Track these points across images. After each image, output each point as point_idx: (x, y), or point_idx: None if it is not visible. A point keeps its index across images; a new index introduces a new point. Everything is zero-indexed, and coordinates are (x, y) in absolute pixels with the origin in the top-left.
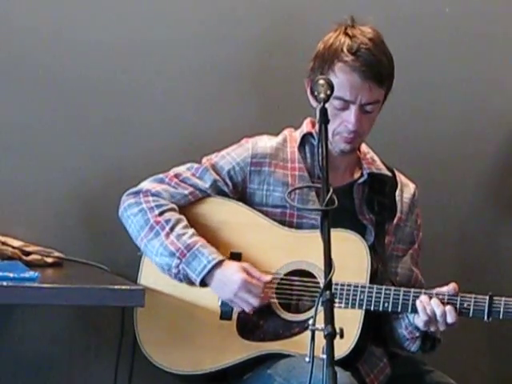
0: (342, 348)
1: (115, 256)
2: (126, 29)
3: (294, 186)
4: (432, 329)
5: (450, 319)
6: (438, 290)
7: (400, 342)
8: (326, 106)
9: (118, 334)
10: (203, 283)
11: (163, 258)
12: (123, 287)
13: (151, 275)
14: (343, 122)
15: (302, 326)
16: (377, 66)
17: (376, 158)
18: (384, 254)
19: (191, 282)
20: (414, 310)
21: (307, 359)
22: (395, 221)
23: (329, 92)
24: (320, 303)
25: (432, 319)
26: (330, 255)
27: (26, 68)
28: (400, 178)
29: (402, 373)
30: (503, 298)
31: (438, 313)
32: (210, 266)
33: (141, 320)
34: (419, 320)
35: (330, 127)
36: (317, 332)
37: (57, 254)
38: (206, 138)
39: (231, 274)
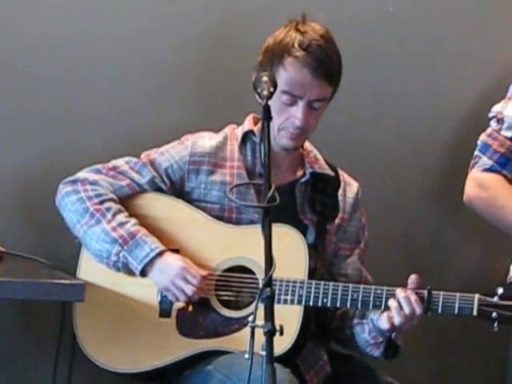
0: (282, 345)
1: (56, 250)
2: (70, 25)
3: (232, 183)
4: (397, 322)
5: (418, 310)
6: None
7: (362, 348)
8: (274, 99)
9: (58, 329)
10: (143, 272)
11: (104, 244)
12: (63, 281)
13: (90, 272)
14: (290, 118)
15: (242, 323)
16: (327, 63)
17: (319, 156)
18: (325, 254)
19: (129, 271)
20: (355, 305)
21: (246, 356)
22: (337, 221)
23: (272, 89)
24: (260, 300)
25: (399, 315)
26: (270, 253)
27: None
28: (343, 177)
29: (342, 371)
30: (442, 292)
31: (407, 310)
32: (152, 255)
33: (79, 317)
34: (383, 320)
35: (276, 122)
36: (256, 329)
37: None
38: (147, 134)
39: (171, 262)
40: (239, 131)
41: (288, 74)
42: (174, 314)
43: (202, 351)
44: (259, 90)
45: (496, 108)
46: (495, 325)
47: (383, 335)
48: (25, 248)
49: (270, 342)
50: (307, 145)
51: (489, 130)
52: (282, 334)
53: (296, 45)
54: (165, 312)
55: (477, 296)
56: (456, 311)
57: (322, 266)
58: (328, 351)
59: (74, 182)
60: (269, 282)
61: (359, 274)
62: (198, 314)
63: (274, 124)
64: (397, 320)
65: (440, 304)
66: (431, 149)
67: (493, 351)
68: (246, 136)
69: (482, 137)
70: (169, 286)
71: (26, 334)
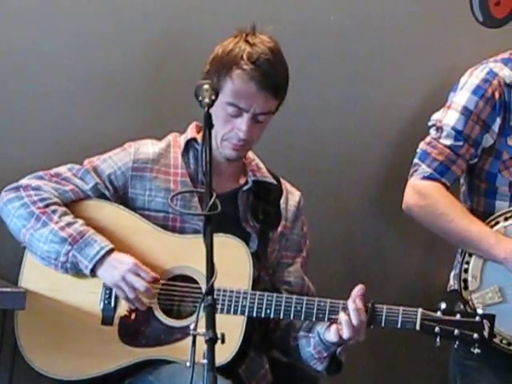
0: (224, 354)
1: None
2: (14, 31)
3: (177, 191)
4: (346, 335)
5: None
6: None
7: (307, 361)
8: (219, 109)
9: None
10: (93, 270)
11: (52, 244)
12: (3, 289)
13: (33, 278)
14: (234, 129)
15: (184, 332)
16: (274, 77)
17: (261, 165)
18: (267, 261)
19: (78, 271)
20: (298, 317)
21: (188, 364)
22: (280, 228)
23: (213, 97)
24: (202, 308)
25: (348, 327)
26: (212, 260)
27: None
28: (285, 185)
29: (283, 379)
30: (385, 306)
31: (355, 321)
32: (103, 252)
33: (21, 323)
34: (331, 333)
35: (220, 132)
36: (198, 337)
37: None
38: (89, 141)
39: (122, 258)
40: (182, 139)
41: (235, 85)
42: (116, 321)
43: (143, 360)
44: (200, 98)
45: (435, 116)
46: (437, 339)
47: (328, 350)
48: None
49: (212, 350)
50: (250, 154)
51: (428, 138)
52: (223, 342)
53: (245, 57)
54: (107, 320)
55: (420, 310)
56: (399, 325)
57: (265, 274)
58: (269, 359)
59: (17, 188)
60: (210, 290)
61: (301, 283)
62: (140, 323)
63: (218, 134)
64: (345, 333)
65: (383, 318)
66: (371, 157)
67: (434, 364)
68: (189, 144)
69: (421, 145)
70: (119, 281)
71: None
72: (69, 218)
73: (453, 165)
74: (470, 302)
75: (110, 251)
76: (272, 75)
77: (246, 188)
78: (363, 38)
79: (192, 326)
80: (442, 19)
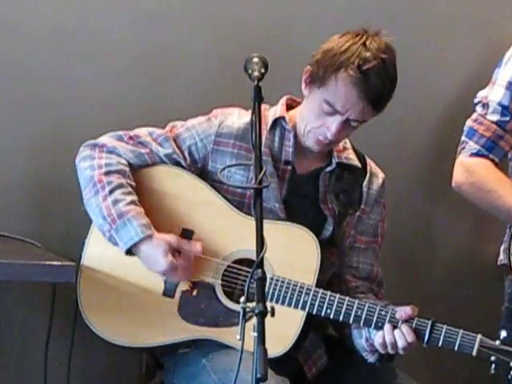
0: (279, 347)
1: (48, 232)
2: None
3: (235, 162)
4: (391, 352)
5: (410, 339)
6: (393, 309)
7: (359, 351)
8: (316, 102)
9: (49, 312)
10: (129, 253)
11: (98, 219)
12: (54, 263)
13: (98, 247)
14: (323, 126)
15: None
16: (379, 92)
17: (348, 144)
18: (342, 245)
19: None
20: (357, 322)
21: (238, 337)
22: (358, 213)
23: (263, 70)
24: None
25: (393, 348)
26: (262, 234)
27: None
28: (370, 166)
29: (337, 354)
30: (445, 326)
31: (400, 345)
32: (136, 239)
33: (84, 289)
34: (378, 343)
35: (309, 123)
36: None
37: None
38: (161, 110)
39: (157, 257)
40: (270, 114)
41: (337, 87)
42: (177, 295)
43: (199, 338)
44: (250, 71)
45: (481, 93)
46: (492, 367)
47: None
48: (17, 231)
49: (262, 324)
50: None
51: (474, 115)
52: (273, 315)
53: (356, 62)
54: (169, 291)
55: (479, 337)
56: (456, 348)
57: (336, 258)
58: (324, 337)
59: (94, 146)
60: (260, 263)
61: (369, 269)
62: (201, 300)
63: (307, 124)
64: (390, 350)
65: (441, 338)
66: (419, 135)
67: None
68: (277, 122)
69: (468, 122)
70: (162, 270)
71: (18, 316)
72: (118, 194)
73: (500, 140)
74: None
75: (145, 239)
76: (377, 88)
77: (328, 169)
78: (407, 16)
79: (242, 299)
80: None
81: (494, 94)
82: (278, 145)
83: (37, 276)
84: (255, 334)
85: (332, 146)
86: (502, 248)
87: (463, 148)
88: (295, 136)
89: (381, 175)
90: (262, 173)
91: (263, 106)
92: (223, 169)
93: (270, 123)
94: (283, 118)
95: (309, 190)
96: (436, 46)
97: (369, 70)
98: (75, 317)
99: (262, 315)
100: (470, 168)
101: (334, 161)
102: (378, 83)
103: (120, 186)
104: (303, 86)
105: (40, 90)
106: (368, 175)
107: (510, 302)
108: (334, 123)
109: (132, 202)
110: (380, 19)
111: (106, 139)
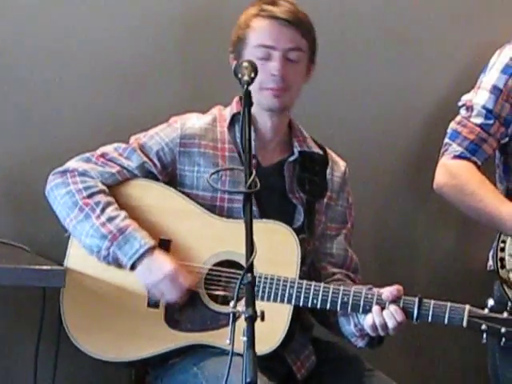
0: (269, 343)
1: (37, 236)
2: (61, 23)
3: (224, 167)
4: (382, 334)
5: (399, 318)
6: (379, 291)
7: (347, 337)
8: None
9: (39, 317)
10: (133, 267)
11: (93, 239)
12: (44, 267)
13: (79, 257)
14: (269, 73)
15: (229, 318)
16: (296, 14)
17: (307, 134)
18: (314, 233)
19: (120, 265)
20: (345, 308)
21: (227, 341)
22: (326, 200)
23: (253, 75)
24: (240, 286)
25: (383, 329)
26: (251, 238)
27: None
28: (331, 155)
29: (324, 357)
30: (432, 301)
31: (391, 325)
32: (142, 251)
33: (67, 303)
34: (368, 325)
35: (257, 81)
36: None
37: None
38: (132, 119)
39: (162, 263)
40: (227, 112)
41: (256, 30)
42: (162, 304)
43: (188, 344)
44: (240, 76)
45: (466, 97)
46: (484, 336)
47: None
48: (6, 235)
49: (252, 328)
50: (294, 125)
51: (458, 118)
52: (262, 319)
53: (262, 6)
54: (153, 302)
55: (467, 307)
56: (446, 321)
57: (311, 247)
58: (311, 339)
59: (64, 172)
60: (250, 268)
61: (344, 254)
62: (186, 307)
63: (256, 84)
64: (380, 332)
65: (430, 313)
66: (403, 137)
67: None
68: (235, 118)
69: (452, 124)
70: (153, 287)
71: (7, 323)
72: (111, 212)
73: (484, 143)
74: (509, 281)
75: (150, 249)
76: (293, 11)
77: (292, 159)
78: (396, 20)
79: (231, 304)
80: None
81: (478, 97)
82: (240, 140)
83: (27, 280)
84: (245, 339)
85: (288, 94)
86: (490, 254)
87: (446, 150)
88: (256, 130)
89: (342, 163)
90: (252, 177)
91: (218, 107)
92: (212, 174)
93: (228, 120)
94: (239, 113)
95: (275, 182)
96: (421, 50)
97: (279, 3)
98: (58, 337)
99: (251, 320)
100: (452, 170)
101: (296, 150)
102: (292, 9)
103: (108, 203)
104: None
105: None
106: (330, 163)
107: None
108: (275, 61)
109: (126, 217)
110: (356, 21)
111: (74, 164)
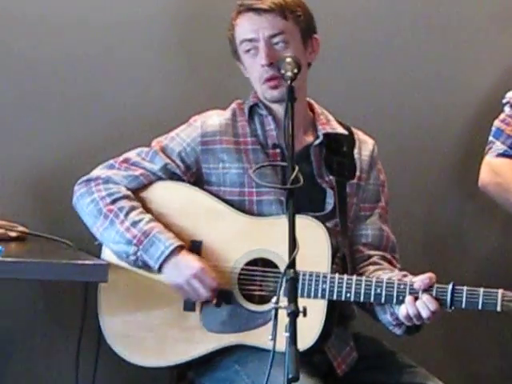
0: (306, 340)
1: (79, 231)
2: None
3: (250, 160)
4: (417, 323)
5: (433, 307)
6: (412, 279)
7: (385, 325)
8: (243, 59)
9: (81, 310)
10: (160, 270)
11: (120, 245)
12: (86, 262)
13: (112, 265)
14: (259, 66)
15: (266, 317)
16: (272, 0)
17: (330, 117)
18: (348, 216)
19: (150, 268)
20: (379, 300)
21: (269, 338)
22: (355, 180)
23: (296, 70)
24: (284, 281)
25: (418, 319)
26: (294, 234)
27: None
28: (358, 135)
29: (365, 353)
30: (465, 288)
31: (424, 315)
32: (167, 252)
33: (104, 311)
34: (403, 316)
35: (255, 79)
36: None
37: (20, 228)
38: (154, 119)
39: (189, 260)
40: (246, 106)
41: (239, 26)
42: (198, 307)
43: (227, 346)
44: (283, 72)
45: (510, 94)
46: None
47: None
48: (49, 230)
49: (294, 324)
50: (316, 107)
51: (502, 116)
52: (305, 315)
53: (241, 1)
54: (189, 306)
55: (500, 291)
56: (480, 306)
57: (345, 233)
58: (353, 334)
59: (88, 181)
60: (292, 264)
61: (379, 234)
62: (222, 308)
63: (255, 82)
64: (415, 321)
65: (464, 299)
66: (447, 135)
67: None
68: (253, 110)
69: (496, 122)
70: (183, 285)
71: (49, 317)
72: (134, 216)
73: None
74: None
75: (176, 249)
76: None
77: (317, 142)
78: (437, 16)
79: (274, 299)
80: None
81: None
82: (261, 132)
83: (70, 275)
84: (287, 334)
85: (283, 82)
86: None
87: (490, 148)
88: (274, 119)
89: (370, 141)
90: (295, 173)
91: (237, 102)
92: (256, 168)
93: (247, 113)
94: (256, 104)
95: (303, 168)
96: (466, 47)
97: None
98: (98, 339)
99: (294, 315)
100: (496, 168)
101: (321, 133)
102: None
103: (132, 208)
104: (241, 67)
105: (49, 86)
106: (357, 143)
107: None
108: (260, 52)
109: (151, 220)
110: (405, 19)
111: (97, 172)
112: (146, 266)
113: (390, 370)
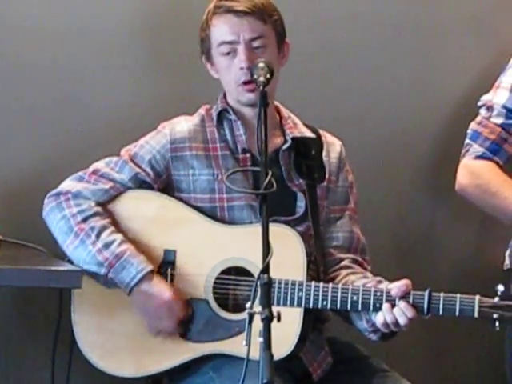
0: (284, 348)
1: (52, 238)
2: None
3: (220, 166)
4: (394, 330)
5: (410, 315)
6: (388, 285)
7: (360, 331)
8: (217, 60)
9: (55, 318)
10: (130, 293)
11: (91, 266)
12: (60, 268)
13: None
14: (237, 69)
15: (242, 325)
16: (251, 2)
17: (297, 120)
18: (319, 219)
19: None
20: (355, 308)
21: (244, 343)
22: (325, 183)
23: (269, 75)
24: (258, 287)
25: (395, 326)
26: (267, 239)
27: None
28: (325, 137)
29: (340, 358)
30: (442, 294)
31: (402, 322)
32: (138, 278)
33: (78, 319)
34: (380, 323)
35: (229, 81)
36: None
37: None
38: (123, 125)
39: (160, 290)
40: (213, 111)
41: (216, 27)
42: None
43: (204, 355)
44: (255, 77)
45: (485, 97)
46: (496, 324)
47: None
48: (22, 237)
49: (268, 329)
50: (283, 111)
51: (479, 118)
52: (279, 320)
53: (218, 1)
54: None
55: (477, 298)
56: (457, 313)
57: (316, 235)
58: (328, 339)
59: (58, 195)
60: (266, 269)
61: (350, 236)
62: (198, 318)
63: (230, 84)
64: (393, 328)
65: (441, 306)
66: (423, 138)
67: (488, 338)
68: (221, 115)
69: (472, 125)
70: (151, 313)
71: (23, 325)
72: (106, 236)
73: (505, 143)
74: None
75: (148, 275)
76: (247, 1)
77: (285, 147)
78: (414, 20)
79: (248, 305)
80: (496, 2)
81: (498, 96)
82: (230, 137)
83: (44, 281)
84: (261, 340)
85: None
86: (507, 253)
87: (467, 151)
88: (243, 123)
89: (338, 143)
90: (268, 178)
91: (205, 107)
92: (229, 174)
93: (215, 118)
94: (225, 109)
95: (272, 172)
96: (441, 50)
97: None
98: (71, 345)
99: (268, 320)
100: (474, 170)
101: (289, 137)
102: None
103: (103, 227)
104: (208, 67)
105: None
106: (325, 145)
107: None
108: (240, 54)
109: (122, 242)
110: (378, 23)
111: (67, 185)
112: (116, 287)
113: (363, 374)
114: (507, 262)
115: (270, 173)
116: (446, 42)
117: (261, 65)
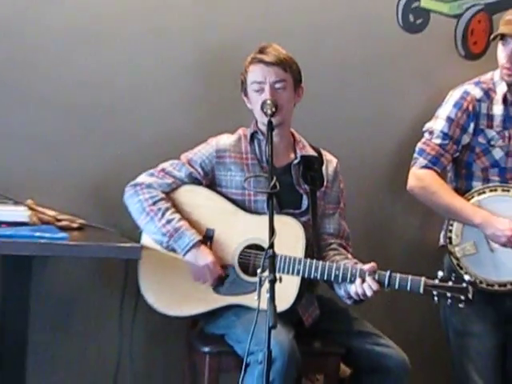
0: (287, 302)
1: (122, 223)
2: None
3: (249, 171)
4: (363, 298)
5: (375, 288)
6: (361, 266)
7: (339, 297)
8: (250, 96)
9: (123, 280)
10: (185, 255)
11: (157, 236)
12: (126, 245)
13: (148, 247)
14: (263, 100)
15: (256, 286)
16: (277, 56)
17: (306, 143)
18: (317, 214)
19: (177, 253)
20: (342, 280)
21: (255, 297)
22: (323, 189)
23: (274, 109)
24: (265, 258)
25: (363, 296)
26: (273, 225)
27: (36, 76)
28: (325, 156)
29: (325, 310)
30: (398, 275)
31: (368, 293)
32: (191, 244)
33: (142, 274)
34: (353, 292)
35: (256, 108)
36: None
37: (80, 221)
38: (181, 140)
39: (205, 254)
40: (248, 132)
41: (251, 72)
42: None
43: (228, 304)
44: (265, 110)
45: (428, 124)
46: (435, 299)
47: None
48: (101, 222)
49: (272, 288)
50: (296, 136)
51: (423, 140)
52: (280, 281)
53: (255, 55)
54: None
55: (423, 279)
56: (408, 289)
57: (314, 225)
58: (316, 296)
59: (135, 185)
60: (271, 245)
61: (339, 227)
62: (227, 277)
63: (257, 112)
64: (362, 297)
65: (397, 283)
66: (385, 153)
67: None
68: (253, 136)
69: (419, 144)
70: (197, 270)
71: (101, 285)
72: (169, 215)
73: (442, 157)
74: (454, 253)
75: (197, 243)
76: (275, 55)
77: (296, 162)
78: (370, 53)
79: (259, 271)
80: (435, 55)
81: (437, 124)
82: (258, 151)
83: (114, 253)
84: (267, 295)
85: (282, 115)
86: (441, 234)
87: (415, 163)
88: (270, 142)
89: (334, 160)
90: (273, 181)
91: (243, 129)
92: (246, 178)
93: (248, 137)
94: (256, 132)
95: (286, 178)
96: (398, 91)
97: (265, 49)
98: (136, 298)
99: (273, 282)
100: (420, 177)
101: (299, 155)
102: (273, 51)
103: (167, 209)
104: (245, 101)
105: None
106: (325, 162)
107: (448, 272)
108: (265, 91)
109: (180, 219)
110: (336, 56)
111: (142, 178)
112: (174, 251)
113: (342, 320)
114: (441, 240)
115: (274, 178)
116: (402, 86)
117: (268, 102)
